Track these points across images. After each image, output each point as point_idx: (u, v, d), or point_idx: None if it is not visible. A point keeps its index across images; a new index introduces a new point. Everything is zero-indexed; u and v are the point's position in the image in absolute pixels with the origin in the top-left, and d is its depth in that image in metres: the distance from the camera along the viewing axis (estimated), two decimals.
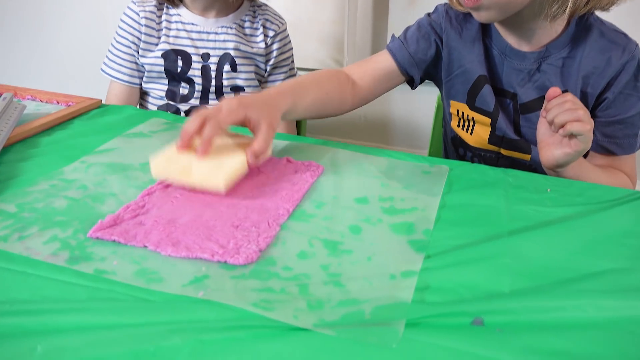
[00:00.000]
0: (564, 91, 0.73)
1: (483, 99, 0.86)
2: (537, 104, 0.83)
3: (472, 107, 0.88)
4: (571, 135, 0.70)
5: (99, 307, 0.45)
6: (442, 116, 1.01)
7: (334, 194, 0.65)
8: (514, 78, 0.83)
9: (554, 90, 0.70)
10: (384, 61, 0.89)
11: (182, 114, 1.06)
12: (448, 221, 0.60)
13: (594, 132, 0.72)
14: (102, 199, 0.62)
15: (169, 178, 0.63)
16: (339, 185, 0.67)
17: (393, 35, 0.91)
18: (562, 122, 0.69)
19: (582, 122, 0.68)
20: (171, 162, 0.62)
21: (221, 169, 0.61)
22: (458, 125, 0.92)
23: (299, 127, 1.23)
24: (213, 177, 0.60)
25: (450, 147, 0.98)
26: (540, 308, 0.46)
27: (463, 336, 0.43)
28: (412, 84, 0.92)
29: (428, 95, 1.37)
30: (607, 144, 0.83)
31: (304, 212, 0.61)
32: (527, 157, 0.87)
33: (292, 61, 1.16)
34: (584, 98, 0.81)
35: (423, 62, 0.89)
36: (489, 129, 0.88)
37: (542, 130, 0.74)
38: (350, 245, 0.55)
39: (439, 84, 0.94)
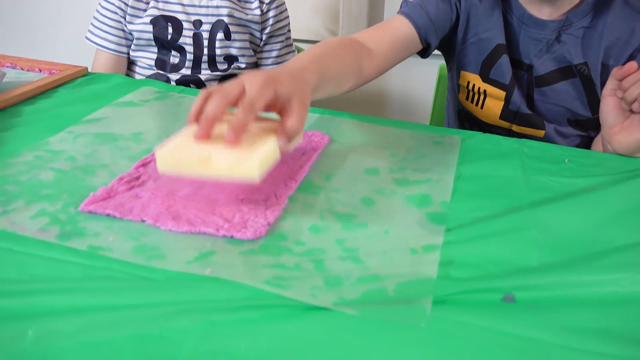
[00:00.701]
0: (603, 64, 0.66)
1: (499, 70, 0.81)
2: (554, 76, 0.79)
3: (486, 79, 0.83)
4: None
5: (96, 287, 0.41)
6: (447, 89, 0.97)
7: (343, 165, 0.61)
8: (532, 48, 0.79)
9: (630, 66, 0.64)
10: (402, 27, 0.79)
11: (173, 83, 1.01)
12: (465, 193, 0.57)
13: None
14: (92, 170, 0.57)
15: (181, 171, 0.49)
16: (347, 156, 0.63)
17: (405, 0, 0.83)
18: None
19: None
20: (183, 152, 0.48)
21: (252, 154, 0.48)
22: (467, 99, 0.87)
23: None
24: (243, 164, 0.47)
25: (455, 121, 0.94)
26: (574, 283, 0.43)
27: (495, 314, 0.40)
28: (424, 52, 0.85)
29: (427, 67, 1.32)
30: None
31: (312, 183, 0.57)
32: (541, 133, 0.83)
33: (289, 30, 1.11)
34: (605, 71, 0.76)
35: (442, 29, 0.82)
36: (502, 103, 0.83)
37: (614, 114, 0.68)
38: (365, 218, 0.51)
39: (449, 53, 0.89)
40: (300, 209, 0.52)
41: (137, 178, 0.55)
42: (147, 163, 0.58)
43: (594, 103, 0.79)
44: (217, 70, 1.02)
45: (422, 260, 0.45)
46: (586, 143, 0.84)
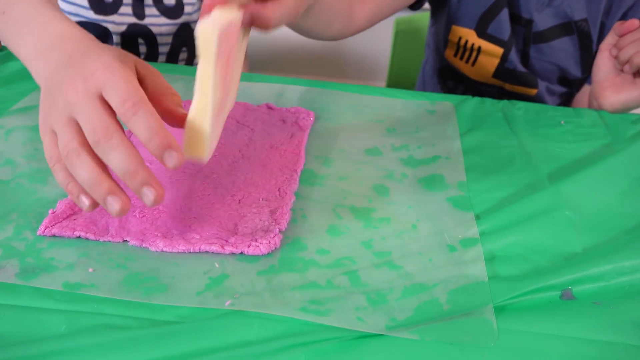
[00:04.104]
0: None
1: (498, 25, 0.76)
2: (553, 33, 0.75)
3: (482, 35, 0.78)
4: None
5: (90, 344, 0.32)
6: (425, 44, 0.91)
7: (339, 147, 0.54)
8: (533, 2, 0.74)
9: (631, 23, 0.61)
10: None
11: (116, 38, 0.84)
12: (478, 169, 0.52)
13: None
14: (41, 177, 0.46)
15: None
16: (340, 135, 0.56)
17: None
18: None
19: None
20: None
21: (201, 135, 0.35)
22: (455, 55, 0.82)
23: None
24: (192, 145, 0.36)
25: (432, 79, 0.88)
26: (627, 269, 0.40)
27: (560, 317, 0.36)
28: (416, 5, 0.77)
29: (382, 22, 1.24)
30: None
31: (313, 172, 0.49)
32: (533, 91, 0.79)
33: None
34: (602, 29, 0.74)
35: None
36: (497, 60, 0.78)
37: (606, 69, 0.66)
38: (385, 211, 0.45)
39: (439, 5, 0.82)
40: (310, 207, 0.45)
41: None
42: None
43: (587, 62, 0.77)
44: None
45: (464, 258, 0.40)
46: (569, 98, 0.83)
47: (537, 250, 0.42)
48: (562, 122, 0.63)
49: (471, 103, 0.65)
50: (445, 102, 0.64)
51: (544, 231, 0.44)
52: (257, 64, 1.67)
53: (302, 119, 0.57)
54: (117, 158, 0.32)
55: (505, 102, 0.66)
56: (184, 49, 0.89)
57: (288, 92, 0.64)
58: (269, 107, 0.59)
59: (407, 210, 0.45)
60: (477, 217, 0.45)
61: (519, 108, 0.65)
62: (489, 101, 0.66)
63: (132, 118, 0.32)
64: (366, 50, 1.58)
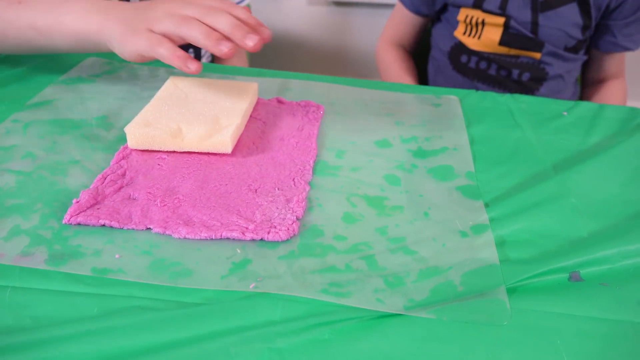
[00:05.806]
0: None
1: None
2: (557, 0, 0.82)
3: (484, 10, 0.87)
4: None
5: (123, 325, 0.33)
6: (431, 34, 0.99)
7: (350, 139, 0.55)
8: None
9: None
10: (404, 18, 0.97)
11: None
12: (485, 160, 0.54)
13: (614, 34, 0.79)
14: (62, 169, 0.47)
15: (152, 147, 0.49)
16: (350, 127, 0.58)
17: None
18: None
19: None
20: (153, 128, 0.49)
21: (223, 129, 0.50)
22: (464, 33, 0.90)
23: None
24: (215, 138, 0.49)
25: (444, 62, 0.95)
26: (632, 252, 0.41)
27: (569, 297, 0.38)
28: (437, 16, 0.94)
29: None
30: (626, 42, 0.86)
31: (326, 163, 0.51)
32: (537, 55, 0.87)
33: None
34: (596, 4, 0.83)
35: None
36: (501, 29, 0.86)
37: None
38: (397, 199, 0.46)
39: None
40: (324, 196, 0.46)
41: (123, 175, 0.47)
42: (129, 155, 0.49)
43: (588, 25, 0.85)
44: None
45: (476, 243, 0.42)
46: (574, 66, 0.91)
47: (545, 235, 0.43)
48: (565, 113, 0.64)
49: (474, 96, 0.67)
50: (451, 96, 0.66)
51: (551, 217, 0.45)
52: (260, 61, 1.68)
53: (312, 112, 0.59)
54: (225, 20, 0.48)
55: (508, 95, 0.67)
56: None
57: (296, 87, 0.65)
58: (280, 101, 0.61)
59: (418, 198, 0.47)
60: (487, 205, 0.47)
61: (523, 101, 0.66)
62: (491, 94, 0.67)
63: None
64: (368, 48, 1.60)
